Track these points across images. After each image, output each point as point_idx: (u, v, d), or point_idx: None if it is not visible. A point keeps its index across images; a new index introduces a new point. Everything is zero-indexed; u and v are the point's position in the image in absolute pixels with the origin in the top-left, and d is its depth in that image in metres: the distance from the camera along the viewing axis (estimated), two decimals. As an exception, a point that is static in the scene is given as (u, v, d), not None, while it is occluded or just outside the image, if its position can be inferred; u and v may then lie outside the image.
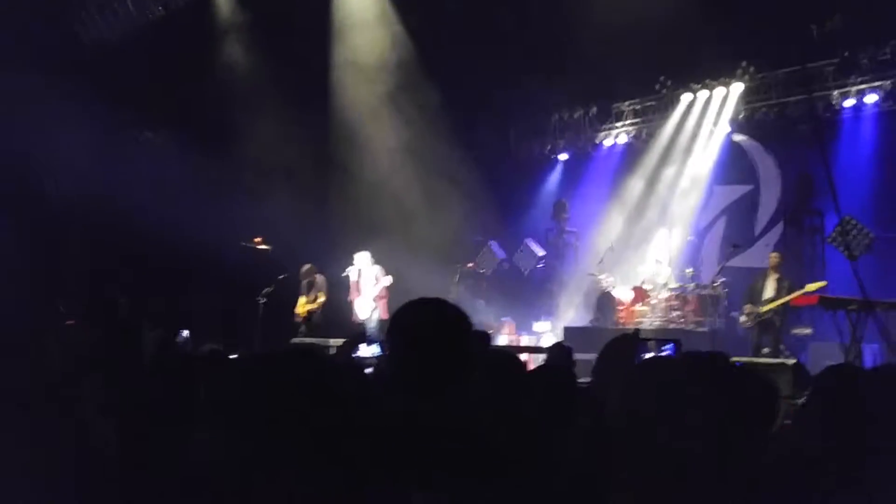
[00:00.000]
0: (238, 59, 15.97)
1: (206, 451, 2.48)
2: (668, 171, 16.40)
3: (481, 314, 15.02)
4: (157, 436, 3.22)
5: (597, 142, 17.81)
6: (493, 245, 18.11)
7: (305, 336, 13.72)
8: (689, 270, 14.54)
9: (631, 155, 17.23)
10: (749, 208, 15.74)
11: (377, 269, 14.11)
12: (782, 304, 12.13)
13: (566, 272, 17.62)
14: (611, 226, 16.71)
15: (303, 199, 14.89)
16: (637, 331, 3.58)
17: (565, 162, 18.63)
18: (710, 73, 15.62)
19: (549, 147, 18.63)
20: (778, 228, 15.20)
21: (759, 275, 12.77)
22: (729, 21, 13.30)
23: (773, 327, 12.28)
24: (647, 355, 4.90)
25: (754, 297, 12.50)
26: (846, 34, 13.48)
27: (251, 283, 14.10)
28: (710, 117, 15.85)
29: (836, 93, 14.08)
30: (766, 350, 12.12)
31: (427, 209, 15.65)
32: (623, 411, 2.09)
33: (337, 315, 14.50)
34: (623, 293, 15.07)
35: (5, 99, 12.17)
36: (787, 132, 14.80)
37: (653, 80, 16.35)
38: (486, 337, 5.73)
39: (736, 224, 15.81)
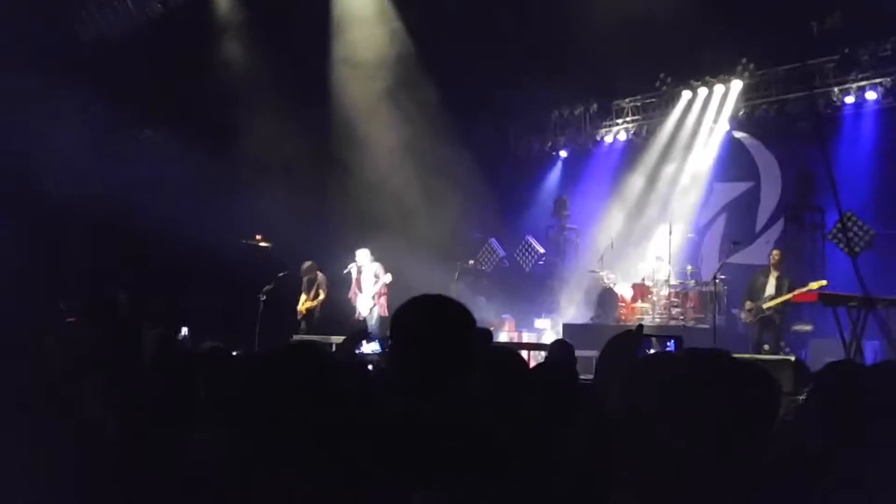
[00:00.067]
0: (237, 57, 15.95)
1: (207, 450, 2.48)
2: (669, 169, 16.40)
3: (482, 311, 15.01)
4: (158, 434, 3.22)
5: (597, 139, 17.80)
6: (494, 242, 18.12)
7: (305, 333, 13.74)
8: (690, 268, 14.55)
9: (631, 152, 17.22)
10: (749, 205, 15.73)
11: (377, 266, 14.11)
12: (783, 302, 12.12)
13: (567, 269, 17.62)
14: (611, 223, 16.70)
15: (303, 197, 14.88)
16: (640, 326, 3.56)
17: (565, 159, 18.62)
18: (710, 69, 15.61)
19: (549, 144, 18.62)
20: (778, 225, 15.19)
21: (760, 272, 12.75)
22: (729, 18, 13.29)
23: (773, 324, 12.27)
24: (651, 351, 4.90)
25: (754, 293, 12.48)
26: (846, 31, 13.47)
27: (251, 281, 14.10)
28: (710, 114, 15.85)
29: (836, 89, 14.07)
30: (766, 347, 12.12)
31: (427, 206, 15.65)
32: (624, 408, 2.09)
33: (337, 312, 14.50)
34: (624, 290, 15.08)
35: (5, 98, 12.16)
36: (787, 129, 14.80)
37: (653, 77, 16.34)
38: (487, 334, 5.73)
39: (736, 221, 15.81)
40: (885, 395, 2.58)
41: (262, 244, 14.43)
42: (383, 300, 14.05)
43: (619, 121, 17.47)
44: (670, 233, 15.06)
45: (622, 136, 17.40)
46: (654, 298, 14.47)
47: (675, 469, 1.84)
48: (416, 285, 11.81)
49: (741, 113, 15.48)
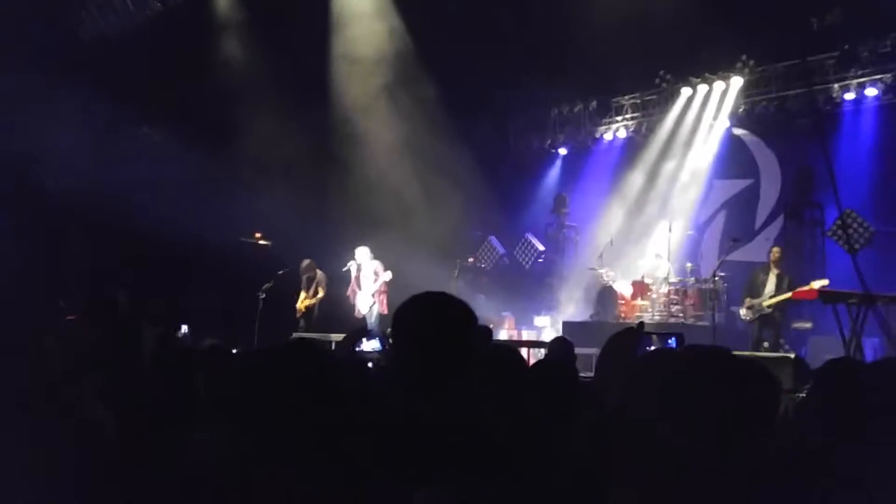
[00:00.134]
0: (236, 55, 15.95)
1: (207, 449, 2.48)
2: (668, 166, 16.40)
3: (481, 309, 15.00)
4: (158, 434, 3.22)
5: (596, 136, 17.81)
6: (493, 240, 18.13)
7: (305, 331, 13.73)
8: (689, 265, 14.55)
9: (631, 149, 17.23)
10: (749, 202, 15.73)
11: (377, 263, 14.11)
12: (783, 300, 12.11)
13: (566, 266, 17.63)
14: (611, 220, 16.71)
15: (302, 195, 14.88)
16: (641, 323, 3.56)
17: (565, 156, 18.63)
18: (709, 66, 15.61)
19: (548, 141, 18.62)
20: (778, 222, 15.19)
21: (760, 269, 12.75)
22: (728, 15, 13.28)
23: (773, 322, 12.27)
24: (651, 349, 4.90)
25: (754, 291, 12.48)
26: (846, 27, 13.47)
27: (251, 279, 14.10)
28: (709, 111, 15.85)
29: (836, 86, 14.07)
30: (766, 344, 12.12)
31: (426, 204, 15.65)
32: (624, 405, 2.08)
33: (337, 310, 14.51)
34: (623, 287, 15.08)
35: (5, 97, 12.16)
36: (787, 126, 14.80)
37: (652, 75, 16.35)
38: (487, 332, 5.73)
39: (736, 218, 15.81)
40: (885, 392, 2.59)
41: (262, 242, 14.44)
42: (383, 298, 14.05)
43: (619, 118, 17.47)
44: (670, 230, 15.06)
45: (622, 134, 17.40)
46: (654, 296, 14.47)
47: (675, 467, 1.84)
48: (415, 283, 11.81)
49: (741, 110, 15.49)
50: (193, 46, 15.31)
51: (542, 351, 11.38)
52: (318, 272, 14.51)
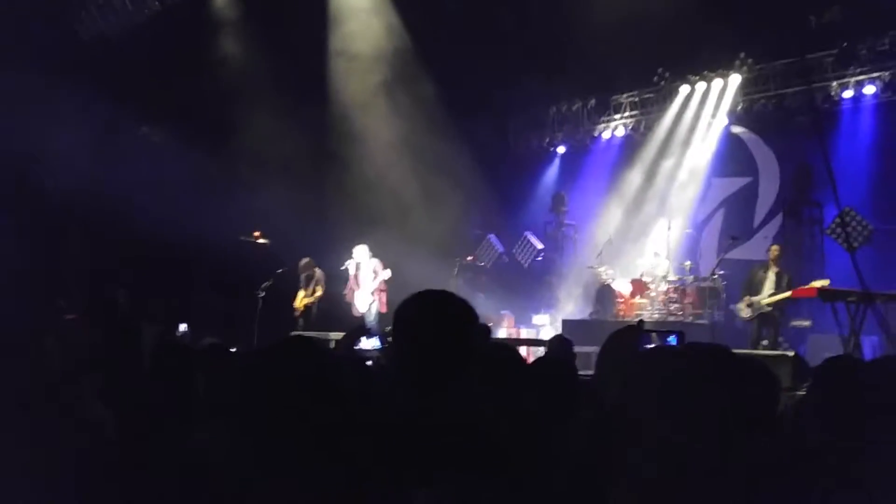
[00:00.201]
0: (234, 53, 15.94)
1: (207, 448, 2.48)
2: (667, 164, 16.40)
3: (480, 307, 14.83)
4: (158, 433, 3.22)
5: (595, 134, 17.80)
6: (492, 238, 18.13)
7: (303, 330, 13.73)
8: (688, 263, 14.55)
9: (629, 147, 17.23)
10: (748, 200, 15.73)
11: (375, 262, 14.11)
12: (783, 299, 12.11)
13: (565, 265, 17.64)
14: (609, 218, 16.71)
15: (301, 193, 14.87)
16: (641, 321, 3.56)
17: (563, 155, 18.62)
18: (708, 64, 15.60)
19: (547, 140, 18.62)
20: (777, 220, 15.19)
21: (759, 267, 12.74)
22: (727, 12, 13.27)
23: (772, 320, 12.26)
24: (651, 346, 4.90)
25: (753, 289, 12.48)
26: (844, 25, 13.46)
27: (250, 278, 14.09)
28: (708, 109, 15.85)
29: (834, 84, 14.06)
30: (765, 342, 12.12)
31: (425, 202, 15.64)
32: (624, 403, 2.09)
33: (335, 309, 14.51)
34: (622, 286, 15.08)
35: (3, 97, 12.15)
36: (785, 124, 14.79)
37: (651, 73, 16.34)
38: (486, 330, 5.73)
39: (734, 216, 15.81)
40: (885, 390, 2.59)
41: (261, 241, 14.43)
42: (382, 296, 14.04)
43: (617, 116, 17.46)
44: (668, 228, 15.06)
45: (620, 132, 17.39)
46: (653, 294, 14.47)
47: (675, 465, 1.84)
48: (414, 281, 11.81)
49: (739, 108, 15.48)
50: (192, 45, 15.30)
51: (542, 349, 11.40)
52: (317, 270, 14.51)
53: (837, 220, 13.13)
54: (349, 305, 14.30)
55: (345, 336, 5.04)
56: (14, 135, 12.44)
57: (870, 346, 11.07)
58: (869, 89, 13.77)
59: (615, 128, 17.44)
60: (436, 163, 15.41)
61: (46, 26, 14.11)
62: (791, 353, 9.48)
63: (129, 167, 13.64)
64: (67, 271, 13.46)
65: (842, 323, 10.25)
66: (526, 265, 18.09)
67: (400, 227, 15.04)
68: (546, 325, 15.69)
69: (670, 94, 16.40)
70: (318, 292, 14.42)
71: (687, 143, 16.18)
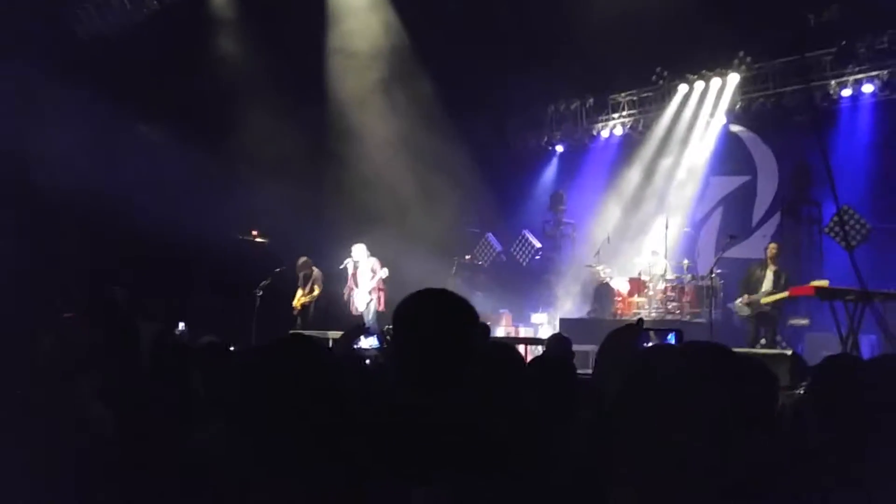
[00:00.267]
0: (233, 52, 15.91)
1: (206, 447, 2.47)
2: (665, 163, 16.40)
3: (479, 306, 14.81)
4: (157, 432, 3.21)
5: (593, 133, 17.78)
6: (491, 237, 18.14)
7: (301, 329, 13.73)
8: (686, 262, 14.55)
9: (627, 146, 17.22)
10: (746, 199, 15.73)
11: (374, 261, 14.10)
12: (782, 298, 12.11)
13: (563, 263, 17.64)
14: (608, 217, 16.70)
15: (299, 191, 14.86)
16: (640, 320, 3.56)
17: (562, 153, 18.62)
18: (706, 63, 15.60)
19: (545, 139, 18.61)
20: (775, 219, 15.20)
21: (757, 265, 12.76)
22: (725, 11, 13.26)
23: (770, 318, 12.27)
24: (649, 345, 4.90)
25: (751, 287, 12.49)
26: (843, 24, 13.46)
27: (248, 276, 14.09)
28: (706, 108, 15.85)
29: (833, 82, 14.06)
30: (763, 341, 12.13)
31: (423, 201, 15.63)
32: (624, 401, 2.08)
33: (333, 308, 14.50)
34: (620, 284, 15.08)
35: (1, 96, 12.14)
36: (784, 122, 14.80)
37: (649, 71, 16.33)
38: (484, 329, 5.73)
39: (733, 215, 15.81)
40: (883, 389, 2.59)
41: (259, 240, 14.42)
42: (380, 295, 14.04)
43: (616, 115, 17.45)
44: (667, 227, 15.06)
45: (618, 131, 17.38)
46: (651, 293, 14.48)
47: (675, 463, 1.84)
48: (412, 280, 11.82)
49: (738, 106, 15.47)
50: (190, 44, 15.27)
51: (540, 348, 11.41)
52: (315, 269, 14.52)
53: (836, 218, 13.14)
54: (347, 304, 14.30)
55: (343, 335, 5.03)
56: (12, 134, 12.43)
57: (868, 345, 11.08)
58: (867, 88, 13.78)
59: (614, 127, 17.43)
60: (434, 161, 15.40)
61: (45, 25, 14.09)
62: (789, 352, 9.50)
63: (126, 166, 13.63)
64: (65, 270, 13.44)
65: (840, 322, 10.25)
66: (524, 264, 18.09)
67: (398, 226, 15.04)
68: (544, 324, 15.70)
69: (669, 92, 16.40)
70: (316, 291, 14.42)
71: (685, 141, 16.18)
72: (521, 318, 16.26)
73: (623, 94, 17.25)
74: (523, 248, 18.05)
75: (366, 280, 14.08)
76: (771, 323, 12.28)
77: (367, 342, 8.13)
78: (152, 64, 14.46)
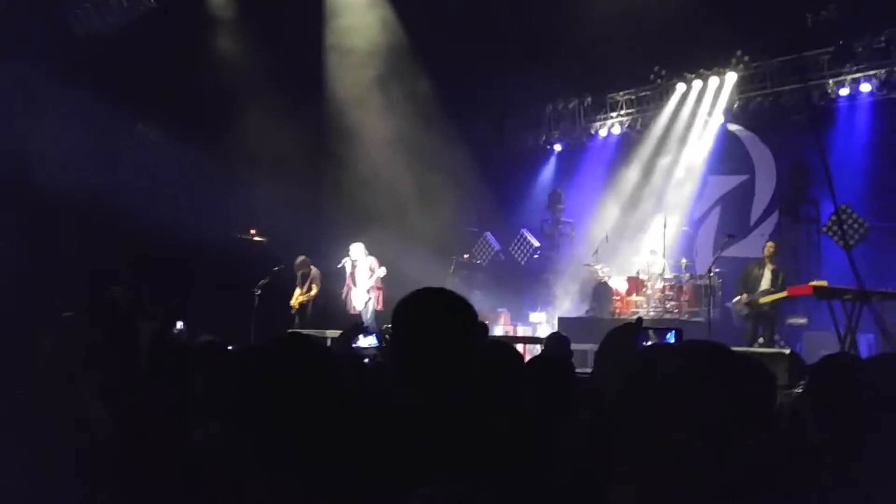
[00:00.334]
0: (230, 50, 15.89)
1: (205, 446, 2.48)
2: (663, 162, 16.41)
3: (477, 305, 14.84)
4: (156, 431, 3.22)
5: (591, 132, 17.79)
6: (489, 236, 18.15)
7: (300, 328, 13.72)
8: (684, 261, 14.56)
9: (626, 145, 17.24)
10: (744, 198, 15.74)
11: (372, 259, 14.10)
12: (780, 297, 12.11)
13: (562, 263, 17.65)
14: (606, 216, 16.71)
15: (297, 190, 14.86)
16: (640, 319, 3.56)
17: (560, 153, 18.63)
18: (704, 62, 15.62)
19: (543, 137, 18.62)
20: (773, 218, 15.21)
21: (754, 264, 12.76)
22: (723, 10, 13.27)
23: (768, 317, 12.28)
24: (648, 343, 4.90)
25: (749, 285, 12.49)
26: (841, 23, 13.47)
27: (246, 276, 14.08)
28: (704, 107, 15.86)
29: (831, 81, 14.08)
30: (761, 340, 12.14)
31: (422, 200, 15.64)
32: (622, 400, 2.09)
33: (331, 307, 14.50)
34: (618, 283, 15.09)
35: (0, 95, 12.14)
36: (782, 121, 14.81)
37: (647, 71, 16.34)
38: (483, 328, 5.73)
39: (731, 214, 15.82)
40: (881, 388, 2.59)
41: (257, 239, 14.42)
42: (379, 294, 14.04)
43: (614, 114, 17.46)
44: (665, 226, 15.07)
45: (616, 130, 17.39)
46: (649, 292, 14.49)
47: (673, 462, 1.85)
48: (411, 279, 11.83)
49: (736, 105, 15.49)
50: (188, 43, 15.26)
51: (538, 347, 11.42)
52: (313, 268, 14.52)
53: (834, 217, 13.16)
54: (345, 303, 14.29)
55: (341, 334, 5.03)
56: (10, 134, 12.42)
57: (866, 344, 11.10)
58: (865, 87, 13.80)
59: (612, 126, 17.45)
60: (432, 160, 15.41)
61: (42, 24, 14.08)
62: (787, 351, 9.52)
63: (125, 165, 13.63)
64: (64, 270, 13.43)
65: (838, 321, 10.26)
66: (522, 263, 18.11)
67: (396, 225, 15.03)
68: (542, 323, 15.71)
69: (667, 91, 16.41)
70: (314, 290, 14.42)
71: (683, 140, 16.20)
72: (519, 316, 16.27)
73: (621, 93, 17.26)
74: (522, 247, 18.07)
75: (364, 279, 14.08)
76: (769, 322, 12.29)
77: (366, 341, 8.14)
78: (151, 63, 14.45)
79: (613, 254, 15.91)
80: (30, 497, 2.90)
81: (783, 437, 2.83)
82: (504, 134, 19.13)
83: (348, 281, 14.25)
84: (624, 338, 3.04)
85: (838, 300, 10.32)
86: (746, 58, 15.07)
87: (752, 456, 1.96)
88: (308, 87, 15.69)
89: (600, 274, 15.37)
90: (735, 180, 15.95)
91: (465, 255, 17.27)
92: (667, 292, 14.32)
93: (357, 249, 14.14)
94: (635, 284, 14.80)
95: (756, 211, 15.53)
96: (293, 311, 14.47)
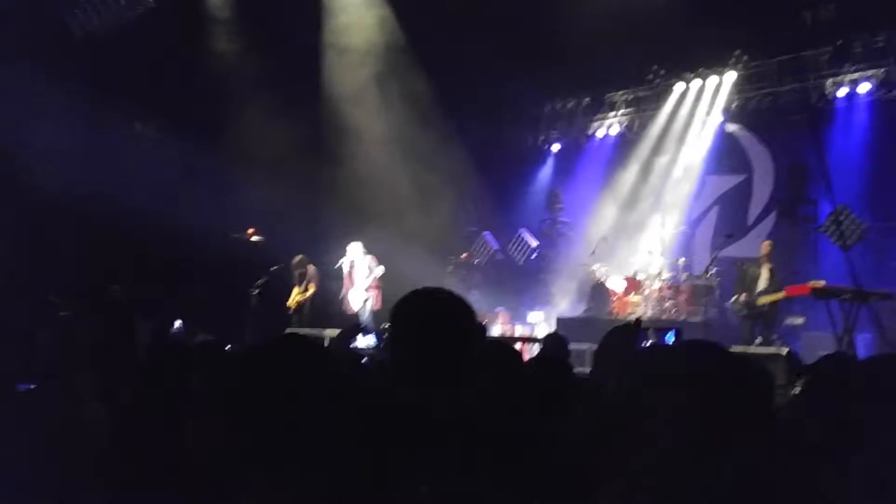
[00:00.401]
0: (228, 49, 15.89)
1: (203, 446, 2.48)
2: (661, 161, 16.42)
3: (475, 304, 14.85)
4: (153, 429, 3.22)
5: (589, 132, 17.80)
6: (487, 235, 18.16)
7: (297, 327, 13.71)
8: (682, 260, 14.56)
9: (624, 145, 17.25)
10: (742, 198, 15.74)
11: (370, 259, 14.08)
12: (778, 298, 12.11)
13: (560, 262, 17.64)
14: (604, 216, 16.72)
15: (295, 190, 14.86)
16: (639, 319, 3.57)
17: (558, 152, 18.64)
18: (703, 61, 15.62)
19: (541, 137, 18.63)
20: (771, 218, 15.20)
21: (751, 263, 12.75)
22: (722, 9, 13.28)
23: (766, 317, 12.27)
24: (647, 343, 4.91)
25: (747, 285, 12.48)
26: (839, 23, 13.49)
27: (244, 275, 14.07)
28: (702, 107, 15.87)
29: (829, 81, 14.09)
30: (758, 340, 12.13)
31: (420, 200, 15.64)
32: (621, 400, 2.09)
33: (329, 306, 14.49)
34: (616, 283, 15.09)
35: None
36: (780, 121, 14.82)
37: (646, 70, 16.35)
38: (482, 328, 5.73)
39: (728, 214, 15.82)
40: (879, 389, 2.59)
41: (255, 238, 14.41)
42: (377, 294, 14.02)
43: (612, 114, 17.46)
44: (662, 226, 15.07)
45: (614, 131, 17.40)
46: (647, 292, 14.48)
47: (671, 462, 1.85)
48: (409, 279, 11.82)
49: (734, 105, 15.49)
50: (185, 42, 15.26)
51: (536, 346, 11.42)
52: (310, 268, 14.49)
53: (831, 217, 13.17)
54: (343, 303, 14.28)
55: (340, 334, 5.03)
56: (6, 132, 12.41)
57: (863, 344, 11.10)
58: (863, 87, 13.80)
59: (610, 125, 17.45)
60: (430, 160, 15.42)
61: (39, 23, 14.07)
62: (785, 351, 9.51)
63: (122, 163, 13.61)
64: (62, 269, 13.43)
65: (835, 321, 10.27)
66: (521, 262, 18.11)
67: (394, 225, 15.04)
68: (540, 323, 15.70)
69: (665, 91, 16.42)
70: (311, 290, 14.40)
71: (681, 140, 16.20)
72: (517, 316, 16.26)
73: (619, 93, 17.28)
74: (520, 247, 18.08)
75: (362, 278, 14.06)
76: (767, 322, 12.27)
77: (365, 341, 8.15)
78: (148, 62, 14.44)
79: (611, 253, 15.90)
80: (28, 496, 2.90)
81: (780, 437, 2.83)
82: (502, 133, 19.12)
83: (346, 281, 14.24)
84: (623, 338, 3.04)
85: (836, 300, 10.33)
86: (745, 57, 15.09)
87: (749, 456, 1.96)
88: (305, 86, 15.69)
89: (598, 274, 15.37)
90: (733, 180, 15.96)
91: (464, 255, 17.28)
92: (664, 292, 14.32)
93: (355, 249, 14.12)
94: (633, 284, 14.81)
95: (754, 211, 15.53)
96: (291, 311, 14.45)
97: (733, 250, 14.22)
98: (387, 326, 2.54)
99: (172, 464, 2.66)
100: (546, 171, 18.81)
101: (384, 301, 13.80)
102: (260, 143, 14.91)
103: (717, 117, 15.74)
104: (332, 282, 14.48)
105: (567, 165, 18.28)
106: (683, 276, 14.38)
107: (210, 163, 14.42)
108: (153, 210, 12.97)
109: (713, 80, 15.61)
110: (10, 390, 3.37)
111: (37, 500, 2.92)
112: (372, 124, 16.00)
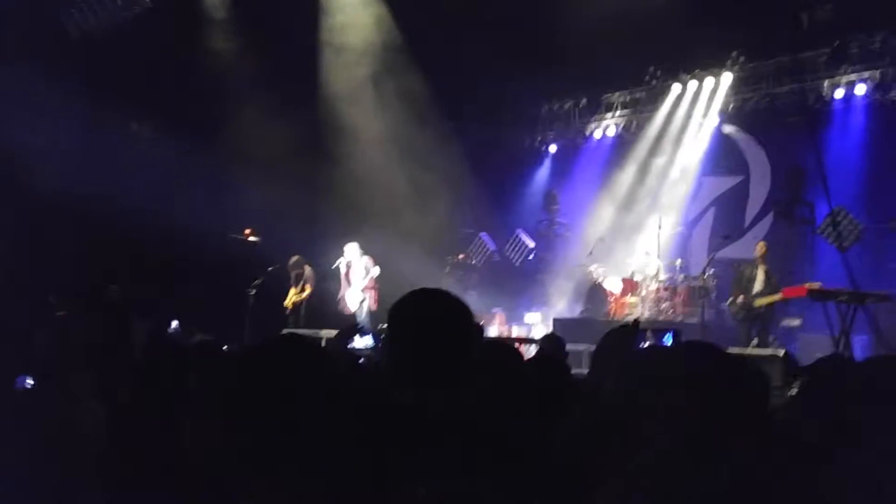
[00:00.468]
0: (225, 48, 15.88)
1: (200, 446, 2.48)
2: (658, 162, 16.42)
3: (472, 305, 14.83)
4: (150, 429, 3.21)
5: (586, 133, 17.81)
6: (484, 236, 18.16)
7: (294, 328, 13.70)
8: (679, 261, 14.57)
9: (620, 146, 17.25)
10: (739, 199, 15.75)
11: (367, 259, 14.07)
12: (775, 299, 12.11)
13: (557, 263, 17.65)
14: (601, 217, 16.73)
15: (292, 190, 14.84)
16: (637, 321, 3.58)
17: (555, 153, 18.64)
18: (700, 63, 15.64)
19: (538, 138, 18.63)
20: (768, 219, 15.22)
21: (747, 265, 12.75)
22: (719, 10, 13.29)
23: (762, 319, 12.27)
24: (645, 345, 4.91)
25: (743, 286, 12.48)
26: (836, 24, 13.50)
27: (241, 275, 14.06)
28: (699, 108, 15.87)
29: (826, 83, 14.10)
30: (755, 341, 12.13)
31: (417, 200, 15.63)
32: (618, 401, 2.09)
33: (326, 307, 14.48)
34: (613, 284, 15.09)
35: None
36: (777, 123, 14.83)
37: (642, 71, 16.36)
38: (479, 328, 5.72)
39: (725, 215, 15.83)
40: (876, 391, 2.60)
41: (251, 238, 14.39)
42: (374, 294, 14.01)
43: (609, 115, 17.47)
44: (660, 227, 15.07)
45: (611, 132, 17.41)
46: (644, 293, 14.49)
47: (668, 463, 1.85)
48: (405, 279, 11.84)
49: (731, 107, 15.50)
50: (182, 41, 15.25)
51: (533, 347, 11.42)
52: (307, 268, 14.48)
53: (828, 219, 13.17)
54: (340, 303, 14.27)
55: (337, 334, 5.04)
56: (3, 132, 12.39)
57: (860, 346, 11.09)
58: (860, 89, 13.82)
59: (607, 127, 17.46)
60: (427, 160, 15.41)
61: (36, 24, 14.05)
62: (781, 352, 9.51)
63: (119, 163, 13.60)
64: (59, 269, 13.42)
65: (832, 322, 10.26)
66: (518, 263, 18.11)
67: (391, 225, 15.03)
68: (537, 324, 15.69)
69: (662, 92, 16.42)
70: (307, 290, 14.39)
71: (678, 141, 16.21)
72: (514, 317, 16.26)
73: (616, 94, 17.29)
74: (517, 248, 18.09)
75: (359, 279, 14.05)
76: (764, 323, 12.27)
77: (362, 342, 8.13)
78: (145, 62, 14.43)
79: (608, 254, 15.91)
80: (26, 496, 2.90)
81: (777, 438, 2.83)
82: (499, 134, 19.12)
83: (343, 281, 14.23)
84: (621, 339, 3.05)
85: (833, 302, 10.33)
86: (742, 59, 15.10)
87: (746, 457, 1.96)
88: (302, 85, 15.68)
89: (595, 275, 15.38)
90: (730, 181, 15.97)
91: (461, 256, 17.27)
92: (661, 293, 14.33)
93: (352, 249, 14.11)
94: (630, 285, 14.82)
95: (751, 212, 15.54)
96: (287, 312, 14.44)
97: (730, 251, 14.22)
98: (384, 327, 2.54)
99: (170, 463, 2.66)
100: (543, 172, 18.81)
101: (381, 302, 13.79)
102: (257, 143, 14.89)
103: (714, 118, 15.75)
104: (328, 282, 14.47)
105: (564, 166, 18.28)
106: (680, 277, 14.39)
107: (207, 163, 14.40)
108: (150, 210, 12.96)
109: (710, 81, 15.62)
110: (8, 390, 3.37)
111: (35, 500, 2.92)
112: (369, 124, 15.99)
